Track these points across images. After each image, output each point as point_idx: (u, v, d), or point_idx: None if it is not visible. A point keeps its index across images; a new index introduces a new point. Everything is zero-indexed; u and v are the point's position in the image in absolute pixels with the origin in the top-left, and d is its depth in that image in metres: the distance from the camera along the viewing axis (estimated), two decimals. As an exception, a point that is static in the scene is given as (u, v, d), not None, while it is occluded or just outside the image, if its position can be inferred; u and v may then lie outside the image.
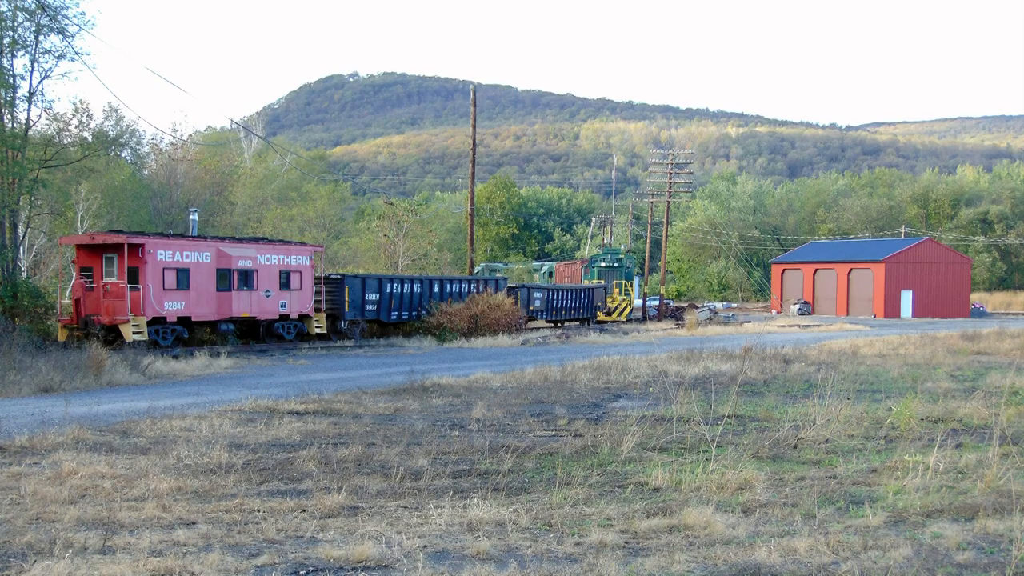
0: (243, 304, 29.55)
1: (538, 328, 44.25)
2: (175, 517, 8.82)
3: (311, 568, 7.40)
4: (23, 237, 33.65)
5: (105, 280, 26.61)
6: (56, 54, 30.24)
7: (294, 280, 31.42)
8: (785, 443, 12.68)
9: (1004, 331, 36.95)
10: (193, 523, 8.65)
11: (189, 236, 29.53)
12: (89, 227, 41.29)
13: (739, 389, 17.67)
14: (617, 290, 55.54)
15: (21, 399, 17.59)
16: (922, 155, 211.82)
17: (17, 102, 30.23)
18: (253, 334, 31.40)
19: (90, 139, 37.59)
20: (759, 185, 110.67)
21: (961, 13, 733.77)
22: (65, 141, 34.73)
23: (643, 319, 56.45)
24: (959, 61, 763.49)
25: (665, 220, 65.91)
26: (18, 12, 29.53)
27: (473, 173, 44.68)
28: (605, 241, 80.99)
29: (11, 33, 29.28)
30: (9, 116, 30.00)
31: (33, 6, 29.52)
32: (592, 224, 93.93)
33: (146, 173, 59.15)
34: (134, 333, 25.82)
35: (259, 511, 9.09)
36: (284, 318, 31.39)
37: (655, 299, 63.83)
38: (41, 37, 29.86)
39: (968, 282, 66.56)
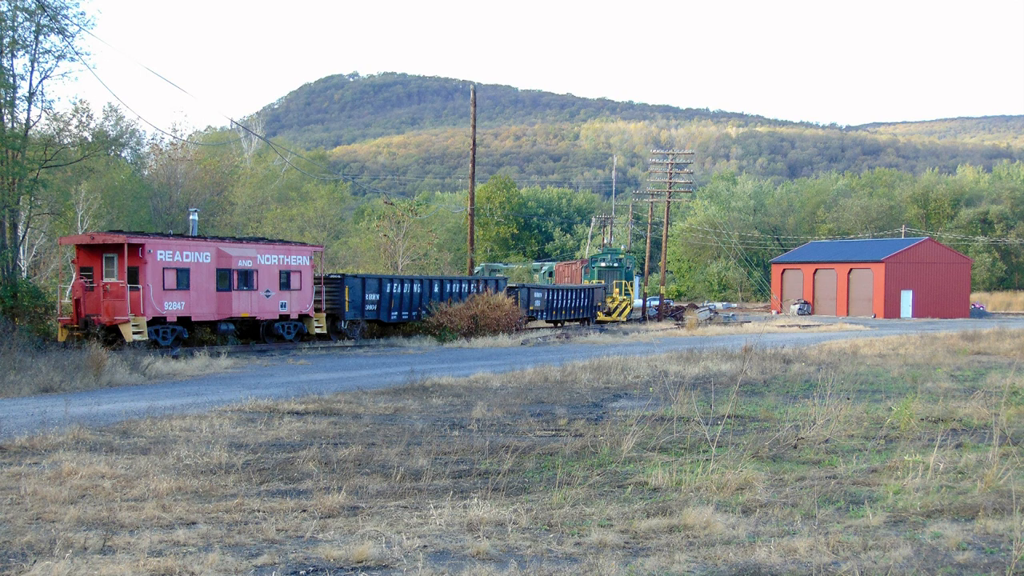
0: (243, 304, 29.55)
1: (538, 328, 44.25)
2: (175, 517, 8.82)
3: (311, 568, 7.40)
4: (23, 237, 33.63)
5: (105, 280, 26.61)
6: (56, 54, 30.25)
7: (294, 280, 31.43)
8: (785, 443, 12.68)
9: (1004, 331, 36.95)
10: (193, 523, 8.66)
11: (189, 236, 29.51)
12: (89, 227, 41.26)
13: (739, 389, 17.67)
14: (617, 290, 55.54)
15: (21, 399, 17.59)
16: (922, 155, 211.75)
17: (17, 102, 30.22)
18: (253, 334, 31.41)
19: (90, 139, 37.58)
20: (759, 185, 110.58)
21: (961, 13, 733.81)
22: (65, 141, 34.70)
23: (643, 319, 56.45)
24: (959, 61, 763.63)
25: (665, 220, 65.89)
26: (18, 12, 29.52)
27: (473, 173, 44.68)
28: (605, 241, 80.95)
29: (11, 33, 29.26)
30: (9, 116, 29.98)
31: (33, 6, 29.52)
32: (592, 224, 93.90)
33: (146, 173, 59.09)
34: (134, 333, 25.81)
35: (259, 511, 9.09)
36: (284, 318, 31.40)
37: (655, 299, 63.81)
38: (41, 37, 29.86)
39: (968, 282, 66.55)
